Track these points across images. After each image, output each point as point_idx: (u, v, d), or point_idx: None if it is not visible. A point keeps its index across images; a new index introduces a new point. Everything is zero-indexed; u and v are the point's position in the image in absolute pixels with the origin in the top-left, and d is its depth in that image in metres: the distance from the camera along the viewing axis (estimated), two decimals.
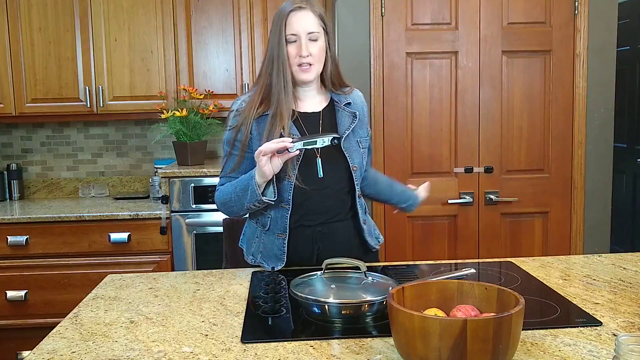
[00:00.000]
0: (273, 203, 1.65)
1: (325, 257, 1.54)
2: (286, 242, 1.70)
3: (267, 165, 1.55)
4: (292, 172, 1.66)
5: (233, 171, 1.73)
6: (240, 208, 1.68)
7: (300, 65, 1.65)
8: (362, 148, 1.77)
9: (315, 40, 1.66)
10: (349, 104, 1.78)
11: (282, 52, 1.64)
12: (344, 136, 1.71)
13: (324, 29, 1.69)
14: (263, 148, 1.53)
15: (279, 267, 1.71)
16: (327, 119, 1.74)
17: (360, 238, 1.80)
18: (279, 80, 1.65)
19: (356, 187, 1.75)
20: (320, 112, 1.75)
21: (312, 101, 1.76)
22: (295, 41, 1.65)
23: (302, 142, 1.56)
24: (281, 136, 1.62)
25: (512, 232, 3.05)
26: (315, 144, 1.56)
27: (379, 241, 1.87)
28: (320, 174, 1.66)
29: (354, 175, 1.73)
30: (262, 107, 1.68)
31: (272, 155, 1.55)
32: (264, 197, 1.61)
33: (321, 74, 1.74)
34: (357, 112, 1.77)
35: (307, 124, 1.72)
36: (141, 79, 3.16)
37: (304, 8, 1.66)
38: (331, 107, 1.77)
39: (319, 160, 1.67)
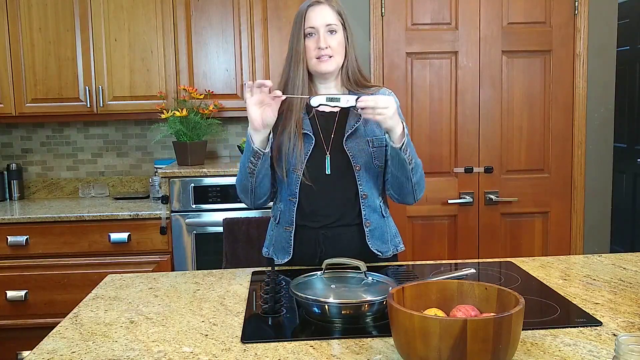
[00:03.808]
0: (264, 154, 1.61)
1: None
2: (292, 235, 1.74)
3: (252, 108, 1.54)
4: (300, 165, 1.69)
5: None
6: (245, 174, 1.67)
7: (319, 57, 1.67)
8: (374, 147, 1.72)
9: (334, 32, 1.68)
10: None
11: (299, 46, 1.68)
12: (347, 134, 1.70)
13: (342, 24, 1.70)
14: (249, 83, 1.56)
15: (286, 260, 1.76)
16: (342, 118, 1.74)
17: (365, 245, 1.75)
18: (295, 74, 1.68)
19: (359, 188, 1.72)
20: (337, 111, 1.74)
21: None
22: (313, 34, 1.67)
23: (325, 97, 1.55)
24: (295, 131, 1.66)
25: (512, 232, 3.05)
26: (339, 101, 1.54)
27: (397, 249, 1.81)
28: (328, 170, 1.68)
29: (356, 175, 1.71)
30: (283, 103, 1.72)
31: (263, 106, 1.55)
32: (255, 145, 1.60)
33: (342, 72, 1.75)
34: None
35: (322, 121, 1.73)
36: (141, 79, 3.16)
37: (322, 3, 1.69)
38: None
39: (328, 157, 1.68)
